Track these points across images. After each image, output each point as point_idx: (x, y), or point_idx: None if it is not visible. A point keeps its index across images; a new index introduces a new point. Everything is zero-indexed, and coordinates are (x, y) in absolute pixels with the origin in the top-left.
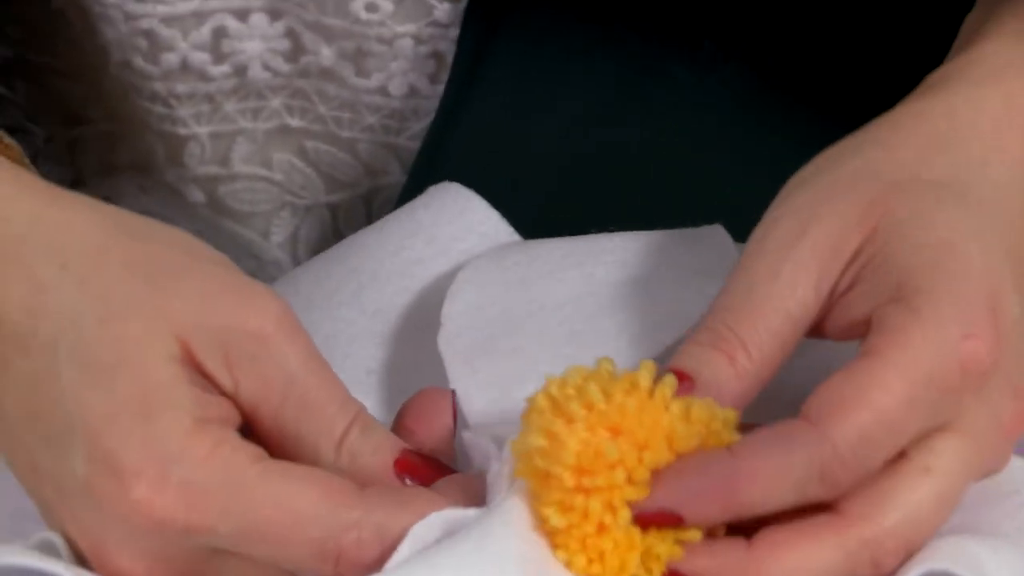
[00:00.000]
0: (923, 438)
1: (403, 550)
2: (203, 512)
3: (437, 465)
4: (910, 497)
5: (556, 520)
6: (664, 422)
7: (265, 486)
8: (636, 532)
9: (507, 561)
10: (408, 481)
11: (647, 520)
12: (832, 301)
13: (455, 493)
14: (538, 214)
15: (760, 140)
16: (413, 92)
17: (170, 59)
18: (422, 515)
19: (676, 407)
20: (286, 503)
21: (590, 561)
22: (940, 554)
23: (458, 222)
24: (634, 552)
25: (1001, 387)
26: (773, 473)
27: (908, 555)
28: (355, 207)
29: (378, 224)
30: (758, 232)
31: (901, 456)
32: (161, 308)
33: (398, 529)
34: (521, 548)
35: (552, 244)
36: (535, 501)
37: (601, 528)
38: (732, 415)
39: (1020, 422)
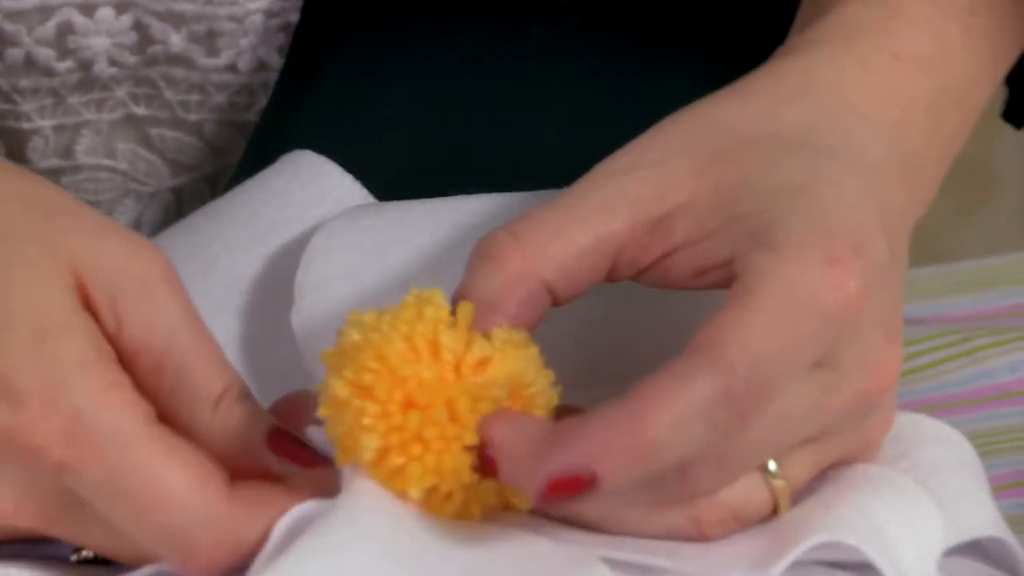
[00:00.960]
0: None
1: (268, 548)
2: (80, 451)
3: (303, 445)
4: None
5: (371, 441)
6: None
7: (146, 450)
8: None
9: (372, 537)
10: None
11: (558, 487)
12: (663, 247)
13: (314, 486)
14: (390, 181)
15: (612, 90)
16: (262, 66)
17: (14, 54)
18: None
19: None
20: (159, 477)
21: (433, 486)
22: (842, 520)
23: (312, 187)
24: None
25: (873, 328)
26: (677, 406)
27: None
28: (199, 189)
29: (230, 194)
30: (596, 166)
31: None
32: (58, 239)
33: (255, 536)
34: (380, 520)
35: (408, 207)
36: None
37: (425, 443)
38: (523, 336)
39: (890, 368)
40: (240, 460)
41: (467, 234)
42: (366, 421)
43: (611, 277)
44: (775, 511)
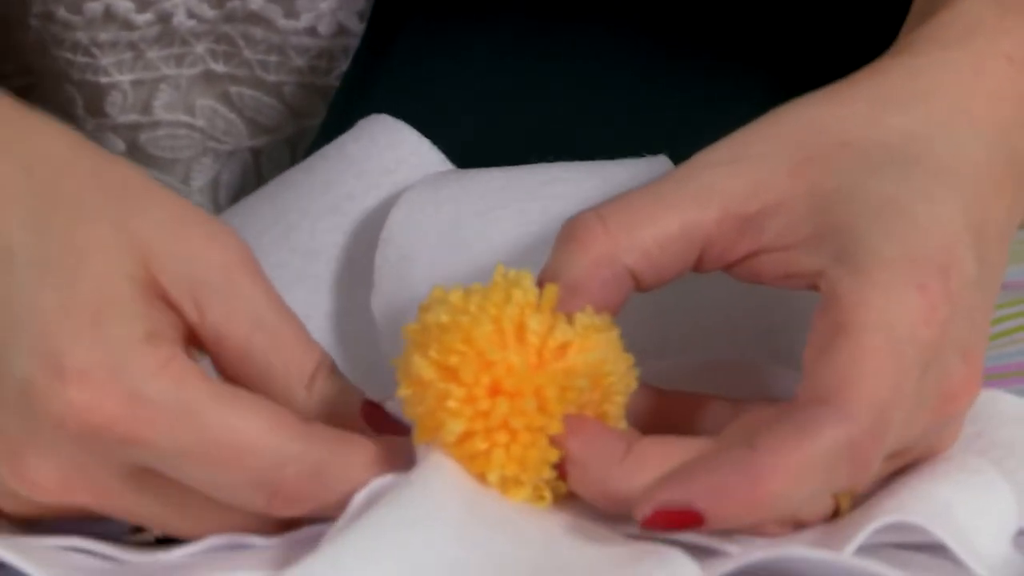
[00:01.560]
0: None
1: (344, 518)
2: (148, 424)
3: (395, 419)
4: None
5: (456, 425)
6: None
7: (215, 408)
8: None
9: (445, 516)
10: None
11: (663, 519)
12: (753, 245)
13: (393, 450)
14: (468, 148)
15: (697, 74)
16: (342, 31)
17: (93, 8)
18: (361, 456)
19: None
20: (234, 427)
21: (512, 473)
22: (906, 504)
23: (388, 154)
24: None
25: (950, 352)
26: (799, 461)
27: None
28: (279, 151)
29: (306, 162)
30: (696, 155)
31: None
32: (132, 225)
33: (337, 468)
34: (455, 500)
35: (487, 176)
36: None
37: (512, 432)
38: (605, 320)
39: (967, 388)
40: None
41: (545, 206)
42: (451, 404)
43: (698, 268)
44: (835, 515)
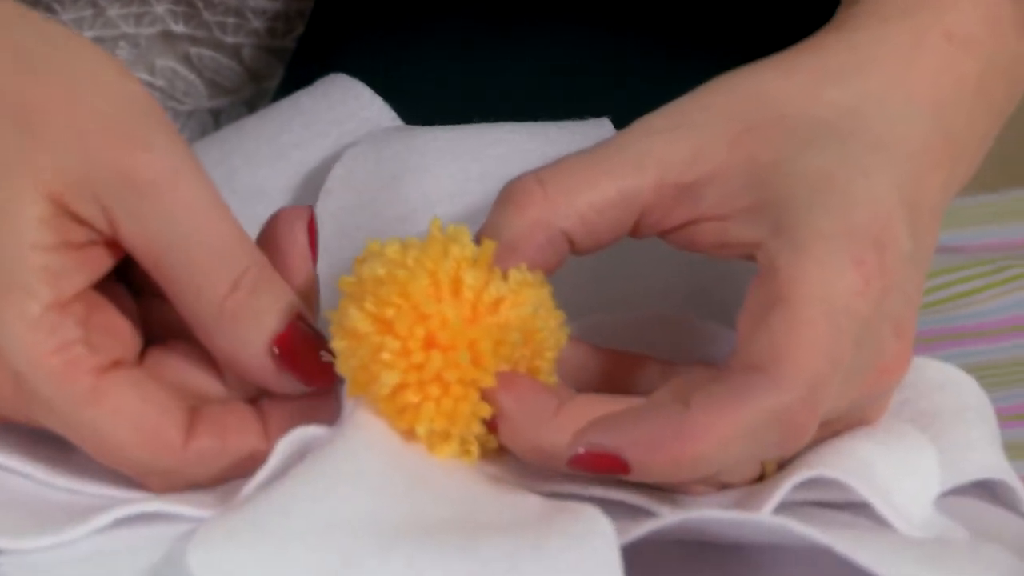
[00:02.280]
0: None
1: (263, 472)
2: (29, 409)
3: (317, 341)
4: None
5: (390, 377)
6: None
7: (91, 411)
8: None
9: (367, 472)
10: (277, 355)
11: (587, 461)
12: (690, 214)
13: (296, 418)
14: (425, 108)
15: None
16: None
17: None
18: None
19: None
20: (106, 435)
21: (441, 427)
22: (829, 459)
23: (339, 108)
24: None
25: (882, 325)
26: (729, 424)
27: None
28: (238, 112)
29: (260, 111)
30: (638, 120)
31: None
32: (33, 157)
33: (207, 481)
34: (378, 456)
35: (431, 134)
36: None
37: (444, 386)
38: (537, 277)
39: (899, 363)
40: (243, 375)
41: (486, 167)
42: (386, 356)
43: (634, 233)
44: (760, 478)
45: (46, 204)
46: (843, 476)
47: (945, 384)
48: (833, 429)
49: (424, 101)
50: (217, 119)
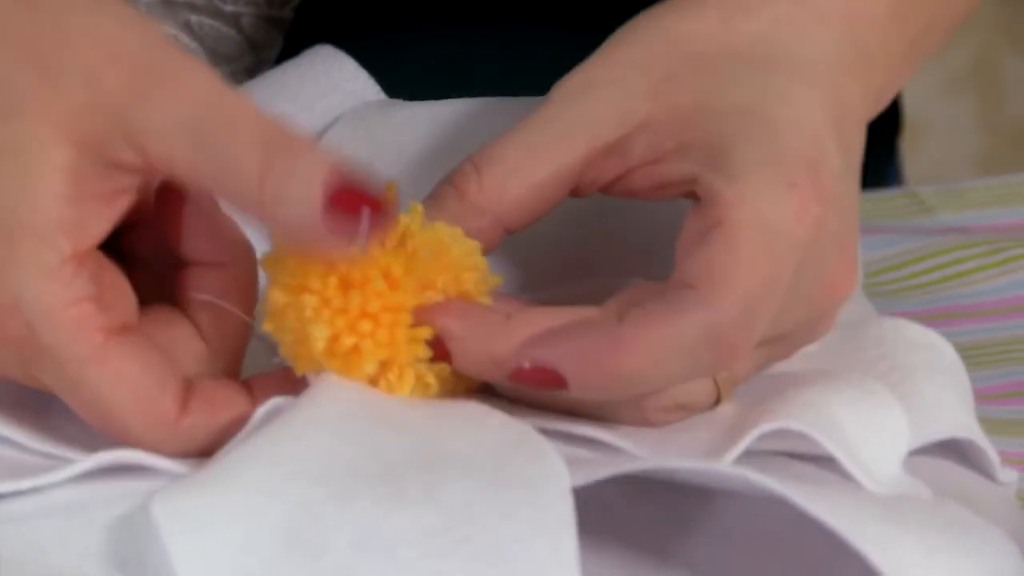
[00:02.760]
0: None
1: (238, 437)
2: (36, 360)
3: (369, 192)
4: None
5: (320, 331)
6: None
7: (95, 372)
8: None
9: (325, 419)
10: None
11: (529, 375)
12: (622, 167)
13: (276, 390)
14: (414, 81)
15: None
16: None
17: None
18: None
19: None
20: (106, 400)
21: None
22: (797, 412)
23: (324, 80)
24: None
25: (827, 244)
26: (660, 340)
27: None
28: (238, 81)
29: (248, 84)
30: (557, 83)
31: None
32: (53, 99)
33: (197, 450)
34: (336, 405)
35: (412, 109)
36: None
37: (373, 317)
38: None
39: (845, 278)
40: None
41: (444, 142)
42: (308, 313)
43: (574, 195)
44: (717, 401)
45: (70, 151)
46: (809, 429)
47: (924, 345)
48: (780, 348)
49: (416, 75)
50: None
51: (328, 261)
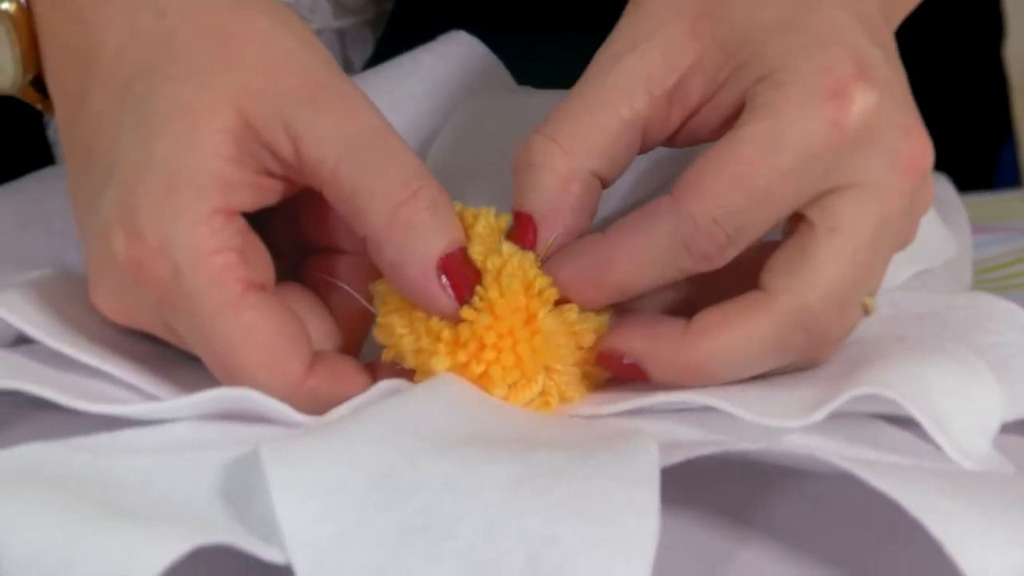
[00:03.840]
0: (821, 200)
1: (358, 399)
2: (174, 304)
3: (474, 274)
4: (824, 259)
5: (440, 364)
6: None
7: (232, 322)
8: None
9: (441, 398)
10: (444, 280)
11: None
12: (684, 111)
13: (395, 375)
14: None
15: None
16: None
17: None
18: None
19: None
20: (239, 351)
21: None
22: (893, 378)
23: (455, 64)
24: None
25: (890, 130)
26: (639, 250)
27: (840, 314)
28: (361, 33)
29: (383, 64)
30: (597, 54)
31: (806, 225)
32: (225, 76)
33: (319, 411)
34: (455, 390)
35: (541, 96)
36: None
37: (495, 347)
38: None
39: (918, 157)
40: (400, 284)
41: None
42: (425, 344)
43: (643, 149)
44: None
45: (234, 117)
46: (901, 398)
47: (1006, 321)
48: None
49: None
50: (343, 39)
51: None
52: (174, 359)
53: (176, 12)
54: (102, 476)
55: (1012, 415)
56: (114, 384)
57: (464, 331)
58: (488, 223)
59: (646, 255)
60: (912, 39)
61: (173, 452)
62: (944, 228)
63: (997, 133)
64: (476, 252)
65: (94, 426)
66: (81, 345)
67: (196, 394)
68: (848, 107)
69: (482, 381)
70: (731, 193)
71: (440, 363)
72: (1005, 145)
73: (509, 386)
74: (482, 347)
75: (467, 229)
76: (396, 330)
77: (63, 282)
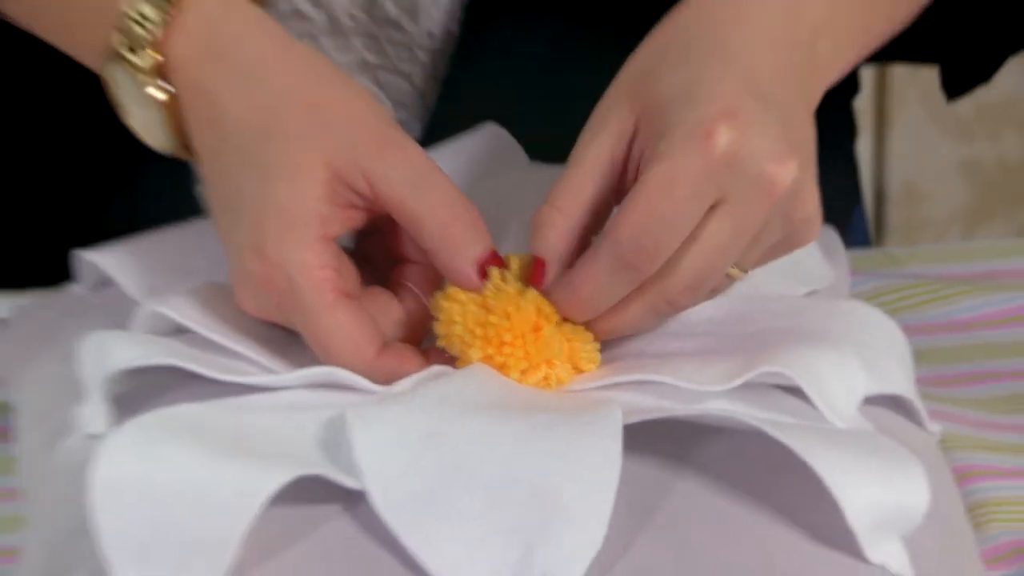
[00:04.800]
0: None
1: (416, 375)
2: (288, 307)
3: (502, 265)
4: (687, 253)
5: (475, 354)
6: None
7: (327, 317)
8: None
9: (474, 377)
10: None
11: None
12: (634, 166)
13: (442, 360)
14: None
15: None
16: (449, 35)
17: (284, 5)
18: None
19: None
20: (330, 335)
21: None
22: (791, 360)
23: (483, 148)
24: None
25: (755, 159)
26: (593, 274)
27: (693, 295)
28: (412, 124)
29: (430, 149)
30: (579, 136)
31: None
32: (316, 135)
33: (388, 382)
34: (483, 374)
35: (537, 171)
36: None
37: (511, 344)
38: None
39: (777, 182)
40: (453, 277)
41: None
42: (466, 339)
43: (618, 199)
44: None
45: (326, 171)
46: (797, 377)
47: (878, 323)
48: (774, 235)
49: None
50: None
51: (478, 304)
52: (289, 343)
53: (281, 91)
54: (234, 428)
55: (871, 391)
56: (244, 361)
57: (492, 332)
58: (522, 262)
59: (598, 276)
60: None
61: (285, 412)
62: (825, 260)
63: (848, 197)
64: (511, 283)
65: (229, 392)
66: (222, 332)
67: (302, 370)
68: (714, 142)
69: (503, 368)
70: (644, 219)
71: (475, 353)
72: (855, 208)
73: (521, 372)
74: (503, 344)
75: (509, 263)
76: (447, 328)
77: (213, 289)
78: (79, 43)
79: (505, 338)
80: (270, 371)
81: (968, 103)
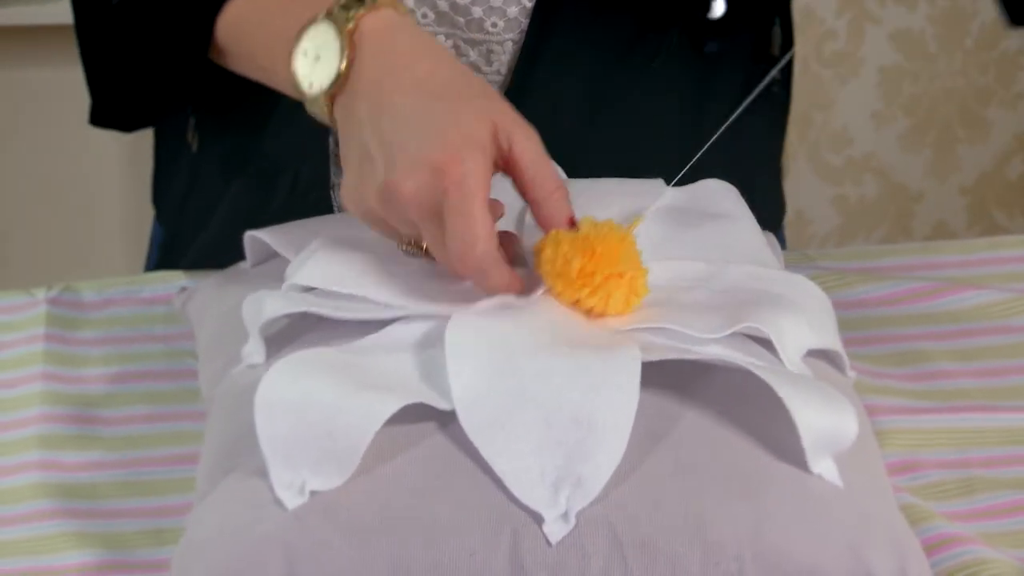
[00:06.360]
0: None
1: (493, 299)
2: (456, 197)
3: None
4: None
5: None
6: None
7: (478, 206)
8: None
9: (538, 314)
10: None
11: None
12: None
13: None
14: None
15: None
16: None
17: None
18: (504, 285)
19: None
20: (474, 221)
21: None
22: (764, 317)
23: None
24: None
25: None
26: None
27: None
28: None
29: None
30: None
31: None
32: (486, 104)
33: (501, 283)
34: (547, 311)
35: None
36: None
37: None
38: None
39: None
40: (545, 225)
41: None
42: (560, 284)
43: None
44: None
45: (492, 125)
46: (768, 331)
47: (812, 292)
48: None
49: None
50: None
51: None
52: (393, 285)
53: (451, 61)
54: (356, 365)
55: (812, 345)
56: (359, 303)
57: (573, 271)
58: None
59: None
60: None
61: (393, 350)
62: (773, 255)
63: (778, 217)
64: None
65: (350, 333)
66: (341, 285)
67: (407, 307)
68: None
69: (585, 303)
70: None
71: (557, 284)
72: (781, 223)
73: (577, 300)
74: (594, 255)
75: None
76: (544, 262)
77: (329, 255)
78: (299, 20)
79: (598, 249)
80: (385, 306)
81: (837, 157)
